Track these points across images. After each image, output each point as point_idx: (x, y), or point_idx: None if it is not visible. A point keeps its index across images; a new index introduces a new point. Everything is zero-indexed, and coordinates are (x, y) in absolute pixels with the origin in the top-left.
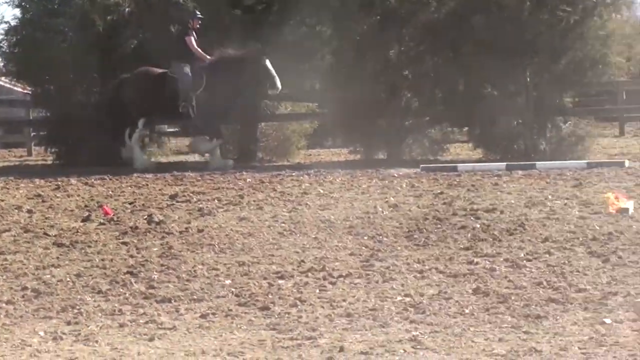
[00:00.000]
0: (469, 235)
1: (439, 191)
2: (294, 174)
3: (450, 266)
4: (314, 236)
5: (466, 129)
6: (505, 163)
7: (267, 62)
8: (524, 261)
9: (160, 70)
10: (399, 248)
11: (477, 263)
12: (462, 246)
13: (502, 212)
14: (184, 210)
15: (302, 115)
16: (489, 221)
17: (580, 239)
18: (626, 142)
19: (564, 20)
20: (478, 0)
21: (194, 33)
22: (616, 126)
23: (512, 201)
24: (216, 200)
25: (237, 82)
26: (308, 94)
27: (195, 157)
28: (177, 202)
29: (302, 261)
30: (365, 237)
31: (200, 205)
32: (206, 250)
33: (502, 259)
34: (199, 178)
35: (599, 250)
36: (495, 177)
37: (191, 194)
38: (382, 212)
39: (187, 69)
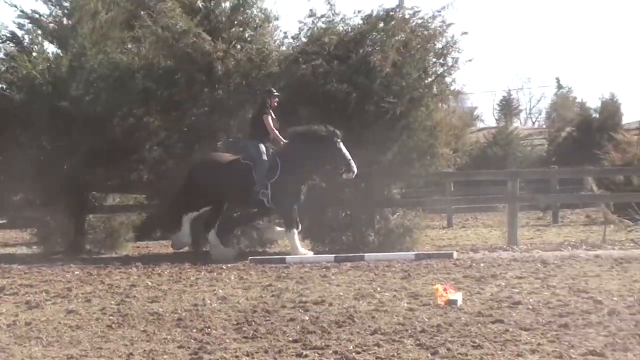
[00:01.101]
0: (298, 327)
1: (267, 283)
2: (122, 266)
3: (279, 359)
4: (142, 329)
5: None
6: (333, 255)
7: (342, 145)
8: (353, 353)
9: (231, 157)
10: (227, 341)
11: (306, 355)
12: (291, 338)
13: (330, 304)
14: (11, 303)
15: (131, 207)
16: (317, 313)
17: (409, 331)
18: (454, 233)
19: (390, 112)
20: (306, 91)
21: (271, 112)
22: (444, 217)
23: (341, 293)
24: (44, 293)
25: (310, 166)
26: (136, 185)
27: (23, 249)
28: (5, 294)
29: (131, 354)
30: (194, 330)
31: (28, 298)
32: (34, 343)
33: (331, 352)
34: (27, 270)
35: (427, 342)
36: (324, 269)
37: (19, 287)
38: (211, 305)
39: (265, 154)
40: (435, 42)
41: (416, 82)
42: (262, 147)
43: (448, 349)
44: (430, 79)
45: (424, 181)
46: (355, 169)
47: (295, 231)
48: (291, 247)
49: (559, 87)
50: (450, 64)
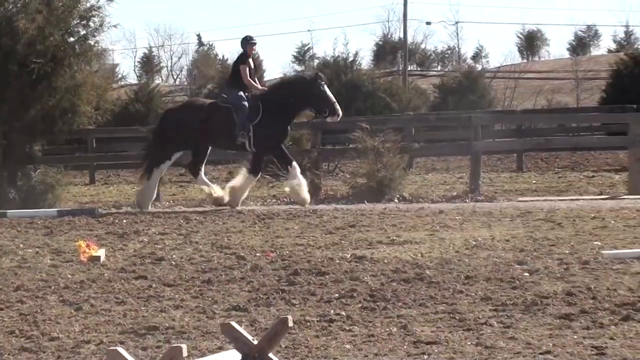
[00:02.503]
0: None
1: None
2: None
3: None
4: None
5: None
6: None
7: (325, 87)
8: None
9: (209, 101)
10: None
11: None
12: None
13: None
14: None
15: None
16: None
17: (52, 287)
18: (97, 190)
19: (34, 72)
20: None
21: (250, 60)
22: (86, 174)
23: None
24: None
25: (293, 108)
26: None
27: None
28: None
29: None
30: None
31: None
32: None
33: None
34: None
35: (71, 299)
36: None
37: None
38: None
39: (244, 98)
40: (80, 5)
41: (59, 43)
42: (242, 94)
43: (92, 305)
44: (73, 39)
45: (66, 138)
46: (340, 112)
47: (295, 164)
48: (292, 177)
49: (200, 44)
50: (93, 26)
